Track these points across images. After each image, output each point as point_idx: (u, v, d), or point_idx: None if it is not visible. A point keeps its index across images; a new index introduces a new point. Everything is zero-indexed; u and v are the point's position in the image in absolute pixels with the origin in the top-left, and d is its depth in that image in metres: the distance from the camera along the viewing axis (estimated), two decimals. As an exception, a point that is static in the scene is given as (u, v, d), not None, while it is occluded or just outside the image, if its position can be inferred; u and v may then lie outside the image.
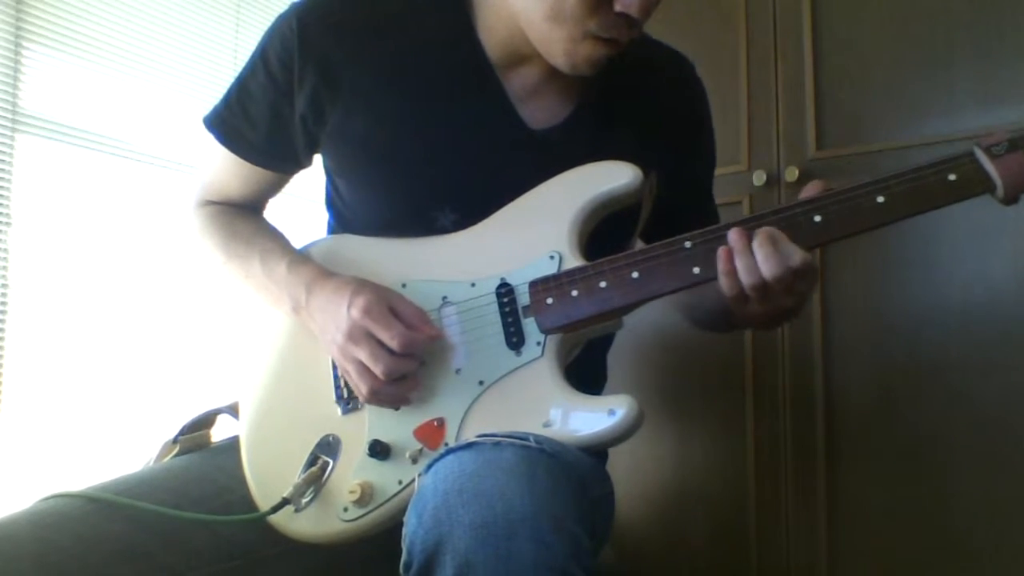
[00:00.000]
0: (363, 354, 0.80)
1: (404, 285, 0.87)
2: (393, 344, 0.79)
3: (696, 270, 0.80)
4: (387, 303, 0.81)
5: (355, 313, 0.80)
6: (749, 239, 0.77)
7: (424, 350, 0.82)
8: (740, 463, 1.37)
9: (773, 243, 0.76)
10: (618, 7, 0.79)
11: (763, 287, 0.76)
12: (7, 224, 1.69)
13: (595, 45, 0.83)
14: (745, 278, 0.77)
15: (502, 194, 0.87)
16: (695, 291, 0.90)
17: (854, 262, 1.30)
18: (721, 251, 0.78)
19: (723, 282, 0.78)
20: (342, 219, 0.99)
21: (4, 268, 1.68)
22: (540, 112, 0.92)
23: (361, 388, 0.82)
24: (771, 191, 1.37)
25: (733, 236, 0.78)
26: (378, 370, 0.79)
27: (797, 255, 0.76)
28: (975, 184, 0.78)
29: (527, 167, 0.87)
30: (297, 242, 0.99)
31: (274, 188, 1.03)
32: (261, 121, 0.93)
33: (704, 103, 1.04)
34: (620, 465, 1.43)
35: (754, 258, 0.76)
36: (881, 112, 1.30)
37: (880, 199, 0.78)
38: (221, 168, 1.00)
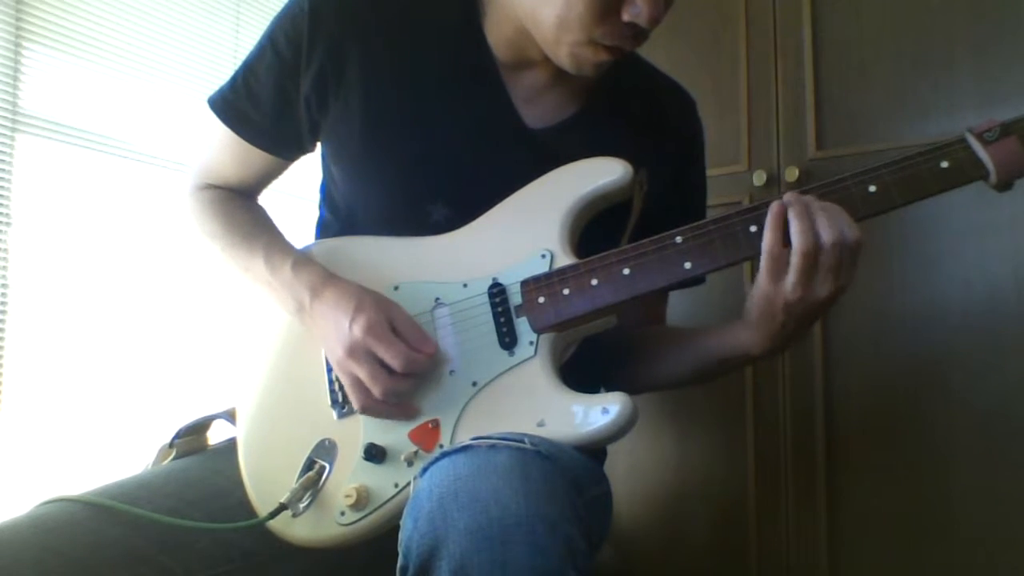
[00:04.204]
0: (363, 373, 0.80)
1: (397, 287, 0.87)
2: (395, 364, 0.78)
3: (687, 265, 0.79)
4: (388, 320, 0.81)
5: (357, 330, 0.79)
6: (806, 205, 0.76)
7: (423, 370, 0.81)
8: (740, 463, 1.36)
9: (830, 215, 0.75)
10: (626, 17, 0.80)
11: (815, 253, 0.74)
12: (7, 224, 1.69)
13: (599, 51, 0.83)
14: (799, 240, 0.74)
15: (495, 190, 0.88)
16: (698, 345, 0.92)
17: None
18: (774, 206, 0.76)
19: (768, 240, 0.76)
20: (335, 208, 0.99)
21: (4, 268, 1.68)
22: (542, 113, 0.92)
23: (353, 402, 0.82)
24: (771, 191, 1.36)
25: (791, 196, 0.76)
26: (376, 390, 0.80)
27: (855, 232, 0.75)
28: (968, 171, 0.77)
29: (522, 165, 0.87)
30: (292, 241, 0.98)
31: (273, 174, 1.02)
32: (267, 102, 0.93)
33: (701, 134, 1.05)
34: (620, 465, 1.44)
35: (812, 221, 0.75)
36: (881, 112, 1.30)
37: (872, 188, 0.78)
38: (221, 150, 0.99)
